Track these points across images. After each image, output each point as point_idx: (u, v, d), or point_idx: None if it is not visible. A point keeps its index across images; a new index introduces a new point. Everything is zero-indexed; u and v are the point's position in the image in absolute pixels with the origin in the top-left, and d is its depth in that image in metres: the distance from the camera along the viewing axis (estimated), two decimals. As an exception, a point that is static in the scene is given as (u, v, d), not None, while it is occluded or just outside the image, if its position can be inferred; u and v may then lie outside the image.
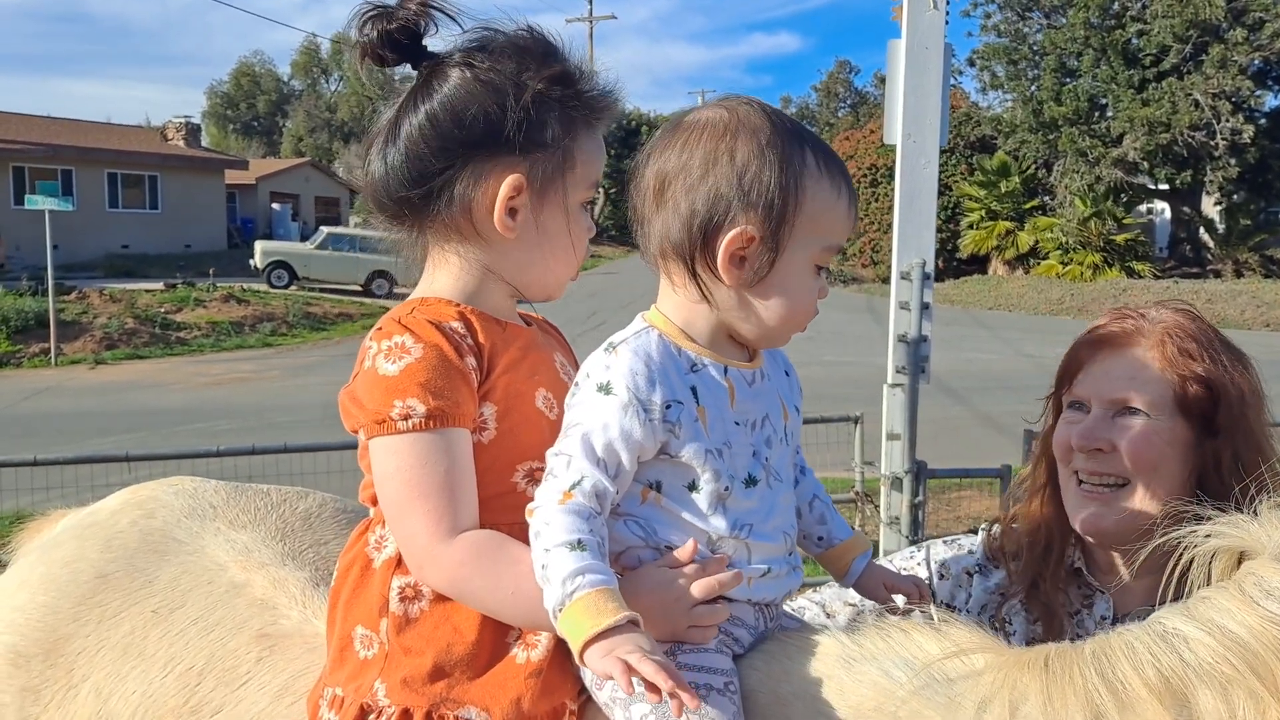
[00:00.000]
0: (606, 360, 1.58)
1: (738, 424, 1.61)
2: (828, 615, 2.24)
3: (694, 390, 1.58)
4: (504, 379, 1.67)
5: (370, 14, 1.69)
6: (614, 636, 1.42)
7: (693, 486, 1.58)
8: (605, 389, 1.55)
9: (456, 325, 1.65)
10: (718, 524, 1.58)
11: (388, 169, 1.72)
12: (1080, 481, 2.02)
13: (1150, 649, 1.35)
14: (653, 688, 1.37)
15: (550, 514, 1.51)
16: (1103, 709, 1.35)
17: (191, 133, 48.39)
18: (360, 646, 1.66)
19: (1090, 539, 2.05)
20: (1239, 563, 1.41)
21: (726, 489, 1.58)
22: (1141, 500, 1.96)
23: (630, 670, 1.38)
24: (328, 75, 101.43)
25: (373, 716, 1.61)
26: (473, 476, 1.62)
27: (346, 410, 1.65)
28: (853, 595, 2.23)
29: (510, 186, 1.68)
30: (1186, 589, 1.45)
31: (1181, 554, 1.83)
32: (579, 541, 1.48)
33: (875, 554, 1.92)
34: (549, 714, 1.61)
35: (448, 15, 1.71)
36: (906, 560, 2.27)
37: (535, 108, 1.67)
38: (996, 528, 2.21)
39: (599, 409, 1.54)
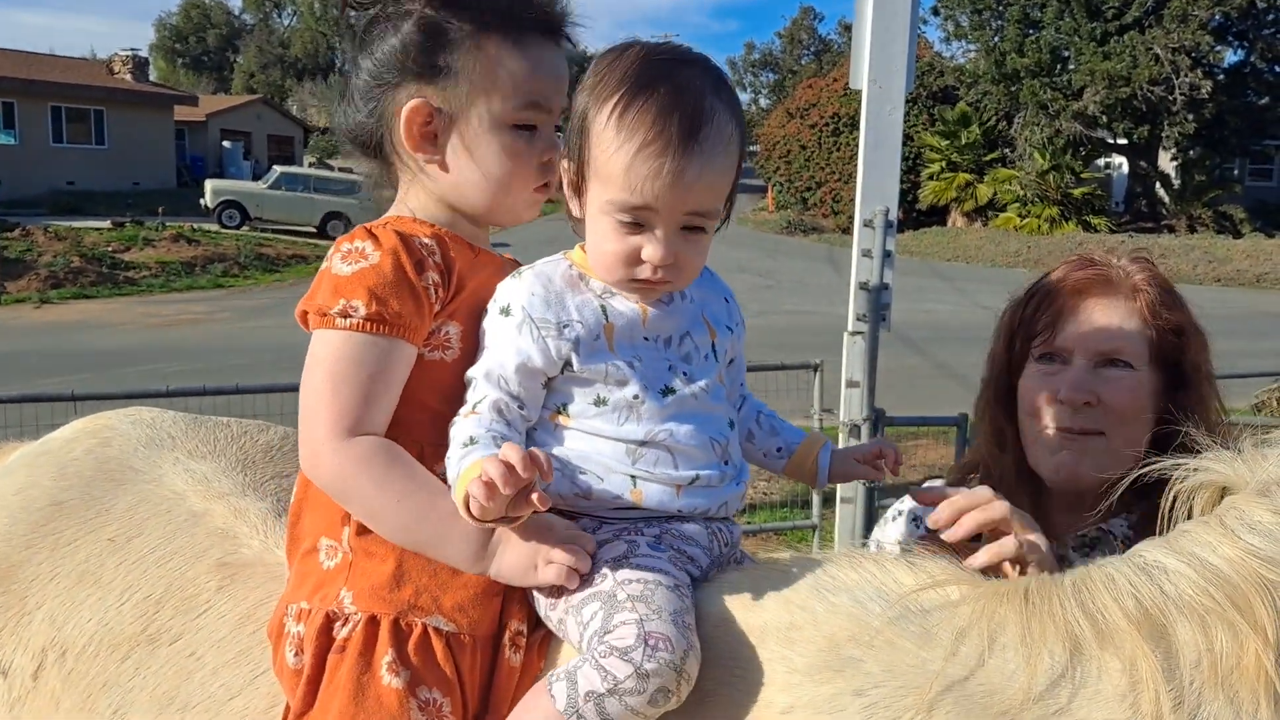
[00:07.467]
0: (511, 284, 1.64)
1: (647, 339, 1.64)
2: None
3: (603, 309, 1.62)
4: (472, 299, 1.67)
5: None
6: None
7: (600, 401, 1.61)
8: (505, 311, 1.62)
9: (426, 241, 1.67)
10: (632, 430, 1.60)
11: (346, 106, 1.77)
12: (1057, 431, 1.99)
13: (1130, 580, 1.36)
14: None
15: (453, 430, 1.57)
16: (1081, 639, 1.35)
17: (139, 66, 46.95)
18: (325, 557, 1.64)
19: (1062, 484, 2.03)
20: (1221, 497, 1.41)
21: (637, 397, 1.60)
22: (1114, 448, 1.94)
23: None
24: (280, 9, 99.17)
25: (339, 624, 1.58)
26: (396, 391, 1.62)
27: (301, 308, 1.66)
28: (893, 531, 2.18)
29: (411, 111, 1.68)
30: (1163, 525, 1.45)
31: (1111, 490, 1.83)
32: (470, 439, 1.53)
33: (832, 500, 1.90)
34: (514, 633, 1.62)
35: None
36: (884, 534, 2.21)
37: (428, 31, 1.65)
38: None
39: (500, 331, 1.61)
